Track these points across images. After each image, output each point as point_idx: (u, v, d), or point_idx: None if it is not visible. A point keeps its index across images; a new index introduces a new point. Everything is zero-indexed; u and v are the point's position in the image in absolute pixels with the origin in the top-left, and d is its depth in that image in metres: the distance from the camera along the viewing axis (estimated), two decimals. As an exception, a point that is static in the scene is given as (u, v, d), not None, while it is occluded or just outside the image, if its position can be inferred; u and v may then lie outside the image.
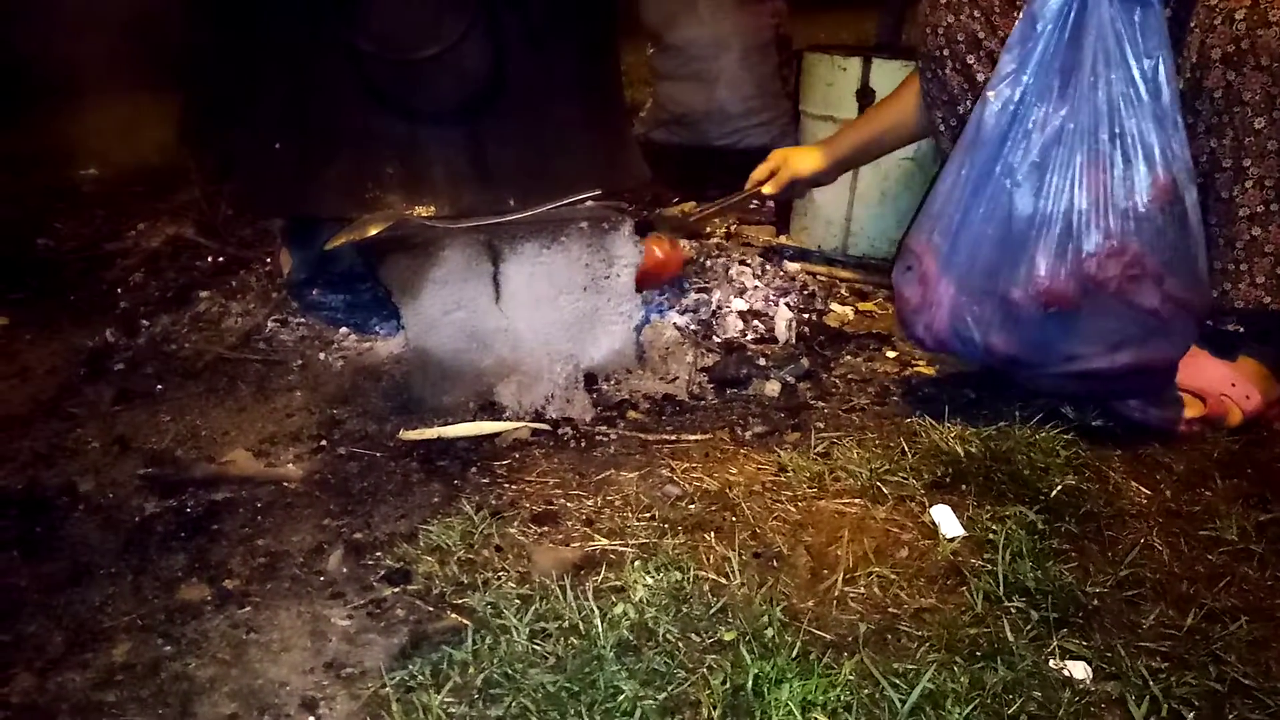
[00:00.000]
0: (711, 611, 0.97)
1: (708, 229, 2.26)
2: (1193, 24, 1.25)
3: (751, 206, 2.45)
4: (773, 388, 1.50)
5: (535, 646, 0.92)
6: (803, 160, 1.74)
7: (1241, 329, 1.35)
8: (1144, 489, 1.22)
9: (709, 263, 1.95)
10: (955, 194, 1.27)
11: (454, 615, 0.98)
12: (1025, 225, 1.23)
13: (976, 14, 1.46)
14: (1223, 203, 1.29)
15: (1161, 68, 1.17)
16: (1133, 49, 1.17)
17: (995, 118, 1.23)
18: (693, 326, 1.69)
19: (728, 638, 0.94)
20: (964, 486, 1.21)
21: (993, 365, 1.35)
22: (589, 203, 1.58)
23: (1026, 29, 1.21)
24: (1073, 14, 1.18)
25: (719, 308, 1.77)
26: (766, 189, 1.78)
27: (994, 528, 1.10)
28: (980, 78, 1.44)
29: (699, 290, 1.82)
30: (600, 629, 0.93)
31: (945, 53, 1.49)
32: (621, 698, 0.85)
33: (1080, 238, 1.21)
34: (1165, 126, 1.18)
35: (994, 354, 1.30)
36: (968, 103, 1.46)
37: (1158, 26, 1.16)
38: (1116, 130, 1.19)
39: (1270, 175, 1.25)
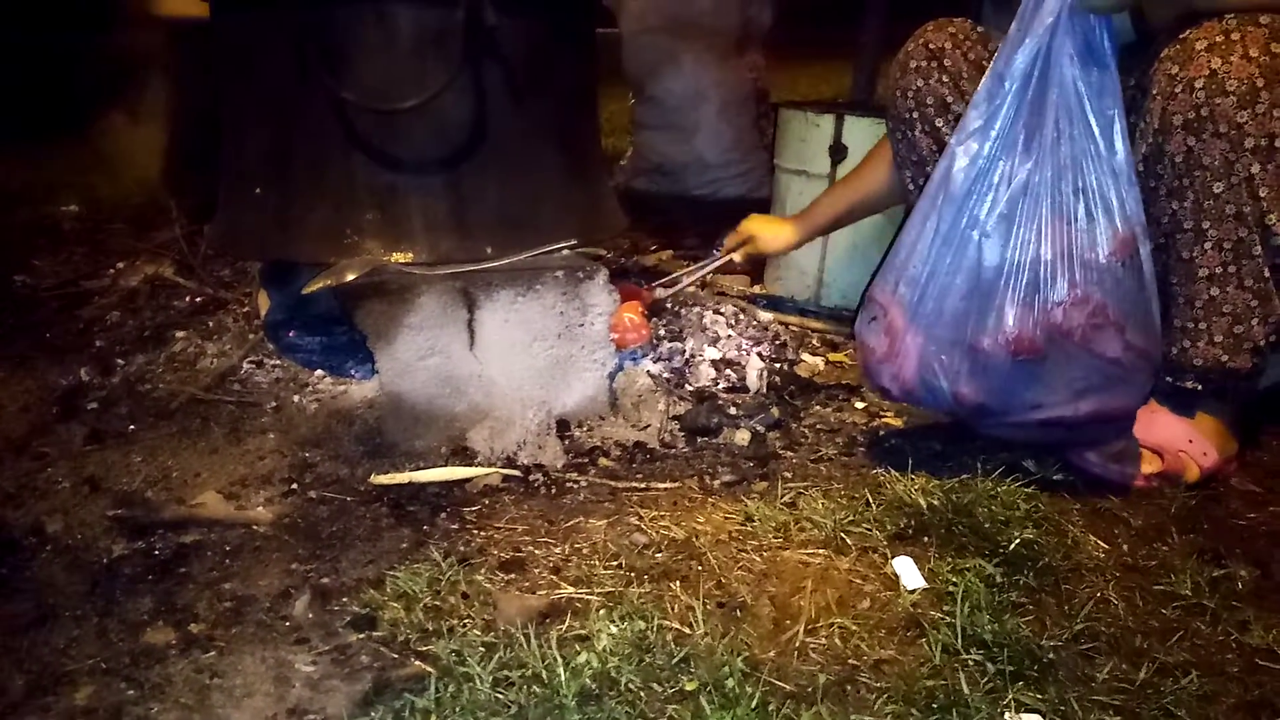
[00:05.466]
0: (674, 661, 0.98)
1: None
2: (1154, 91, 1.29)
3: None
4: (742, 437, 1.52)
5: (498, 695, 0.93)
6: (774, 238, 1.86)
7: (1199, 386, 1.38)
8: (1101, 543, 1.24)
9: (683, 311, 1.97)
10: (921, 246, 1.30)
11: (418, 663, 0.99)
12: (994, 275, 1.26)
13: (945, 79, 1.51)
14: (1183, 263, 1.33)
15: (1117, 125, 1.22)
16: (1092, 107, 1.22)
17: (964, 172, 1.27)
18: (666, 375, 1.71)
19: (689, 688, 0.95)
20: (926, 538, 1.23)
21: (959, 415, 1.38)
22: (565, 252, 1.60)
23: (994, 86, 1.26)
24: (1037, 73, 1.23)
25: (692, 356, 1.80)
26: (737, 258, 1.91)
27: (954, 580, 1.12)
28: (949, 140, 1.48)
29: (672, 339, 1.84)
30: (563, 678, 0.94)
31: (915, 115, 1.54)
32: (582, 747, 0.86)
33: (1046, 288, 1.25)
34: (1122, 182, 1.23)
35: (962, 403, 1.33)
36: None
37: (1113, 88, 1.22)
38: (1079, 185, 1.23)
39: (1228, 238, 1.29)
